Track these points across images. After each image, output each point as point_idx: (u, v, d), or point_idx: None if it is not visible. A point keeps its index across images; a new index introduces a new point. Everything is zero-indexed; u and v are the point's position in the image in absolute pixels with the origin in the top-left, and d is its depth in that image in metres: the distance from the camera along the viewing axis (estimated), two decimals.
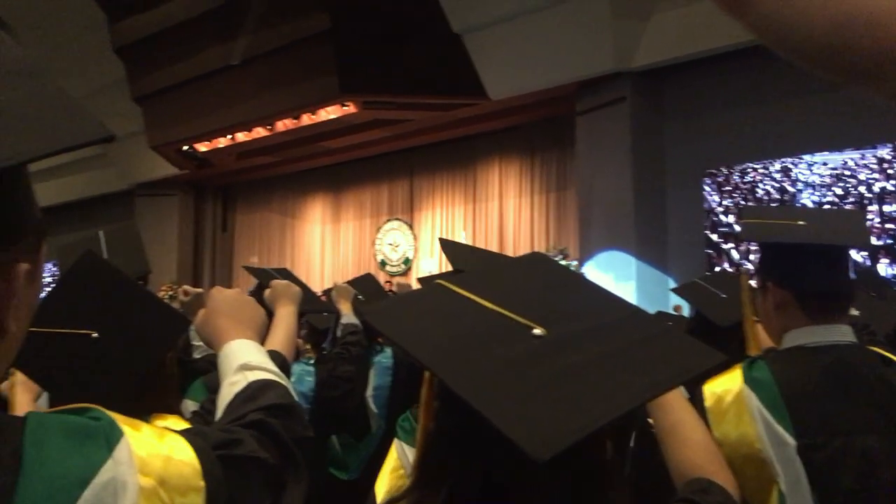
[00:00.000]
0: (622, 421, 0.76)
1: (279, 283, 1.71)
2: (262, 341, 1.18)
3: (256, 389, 1.01)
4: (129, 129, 12.35)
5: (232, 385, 1.04)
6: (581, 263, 8.93)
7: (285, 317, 1.60)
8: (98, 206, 14.81)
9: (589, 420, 0.62)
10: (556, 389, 0.65)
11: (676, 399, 1.21)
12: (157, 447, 0.73)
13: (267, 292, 1.72)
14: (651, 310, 3.42)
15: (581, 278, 0.88)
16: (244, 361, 1.07)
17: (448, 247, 2.25)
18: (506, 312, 0.72)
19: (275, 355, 1.42)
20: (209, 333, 1.17)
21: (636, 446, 1.91)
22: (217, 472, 0.78)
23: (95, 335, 1.42)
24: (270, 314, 1.69)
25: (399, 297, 0.84)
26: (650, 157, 8.47)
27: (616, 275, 8.33)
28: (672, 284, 8.39)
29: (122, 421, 0.72)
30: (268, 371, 1.06)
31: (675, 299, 8.21)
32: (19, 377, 1.65)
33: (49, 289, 1.53)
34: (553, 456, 0.59)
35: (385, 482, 1.43)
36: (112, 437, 0.69)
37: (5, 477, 0.61)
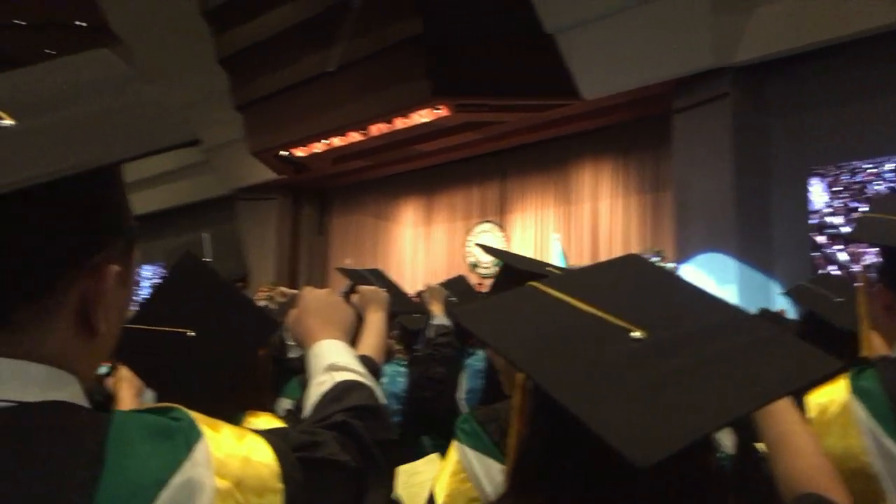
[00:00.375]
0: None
1: (368, 288, 1.72)
2: (351, 341, 1.18)
3: (342, 390, 1.00)
4: (231, 137, 12.86)
5: (319, 385, 1.04)
6: (678, 266, 8.67)
7: (375, 322, 1.61)
8: (202, 211, 15.46)
9: (694, 427, 0.58)
10: (659, 394, 0.61)
11: (785, 408, 1.13)
12: (235, 448, 0.73)
13: (356, 298, 1.74)
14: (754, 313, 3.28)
15: (679, 279, 0.83)
16: (332, 362, 1.07)
17: (494, 252, 2.20)
18: (602, 314, 0.69)
19: (366, 360, 1.43)
20: (300, 333, 1.18)
21: (740, 458, 1.82)
22: (296, 474, 0.77)
23: (192, 334, 1.47)
24: (360, 319, 1.71)
25: (491, 298, 0.82)
26: (752, 156, 8.13)
27: (716, 278, 8.04)
28: (776, 288, 8.03)
29: (202, 421, 0.73)
30: (355, 372, 1.06)
31: (779, 304, 7.89)
32: (124, 373, 1.72)
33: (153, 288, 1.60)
34: (655, 464, 0.56)
35: (445, 485, 1.40)
36: (191, 438, 0.69)
37: (88, 474, 0.62)
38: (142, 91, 0.72)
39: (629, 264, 0.83)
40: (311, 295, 1.21)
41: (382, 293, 1.73)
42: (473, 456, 1.39)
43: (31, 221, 0.63)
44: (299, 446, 0.81)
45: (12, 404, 0.63)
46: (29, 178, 0.58)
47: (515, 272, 1.75)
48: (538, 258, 11.90)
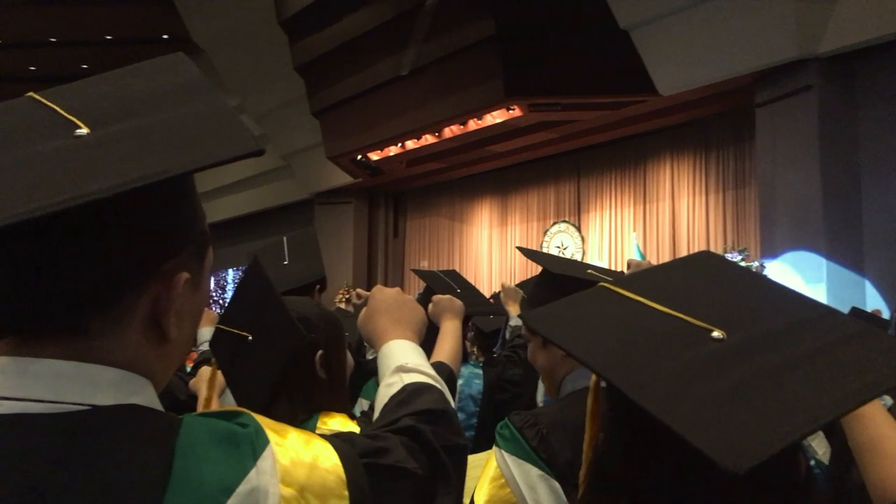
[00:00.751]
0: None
1: (443, 297, 1.73)
2: (421, 341, 1.17)
3: (410, 393, 0.99)
4: (309, 142, 13.14)
5: (388, 387, 1.03)
6: (763, 265, 8.37)
7: (451, 330, 1.61)
8: (282, 215, 15.86)
9: (788, 431, 0.55)
10: (746, 397, 0.58)
11: (876, 410, 1.07)
12: (301, 454, 0.73)
13: (430, 307, 1.74)
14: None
15: (759, 276, 0.79)
16: (401, 363, 1.06)
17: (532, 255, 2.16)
18: (679, 315, 0.66)
19: (442, 366, 1.42)
20: (370, 332, 1.18)
21: (833, 463, 1.75)
22: (362, 481, 0.77)
23: (251, 338, 1.51)
24: (435, 329, 1.71)
25: (562, 300, 0.80)
26: (841, 149, 7.78)
27: (804, 276, 7.73)
28: (868, 287, 7.67)
29: (268, 427, 0.73)
30: (424, 374, 1.05)
31: (872, 302, 7.53)
32: (204, 374, 1.77)
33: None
34: (748, 470, 0.53)
35: (485, 492, 1.39)
36: (258, 446, 0.69)
37: (156, 479, 0.63)
38: (212, 98, 0.73)
39: (703, 261, 0.79)
40: (380, 294, 1.21)
41: (458, 302, 1.74)
42: (512, 461, 1.38)
43: (102, 232, 0.65)
44: (366, 452, 0.81)
45: (85, 408, 0.64)
46: (95, 191, 0.59)
47: (553, 276, 1.73)
48: (615, 258, 11.65)
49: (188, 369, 2.52)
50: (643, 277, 0.80)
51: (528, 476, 1.35)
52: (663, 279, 0.76)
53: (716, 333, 0.63)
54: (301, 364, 1.54)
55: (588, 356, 0.66)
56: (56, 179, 0.60)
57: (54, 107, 0.68)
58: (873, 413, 1.06)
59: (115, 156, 0.63)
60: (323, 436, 0.79)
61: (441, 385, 1.05)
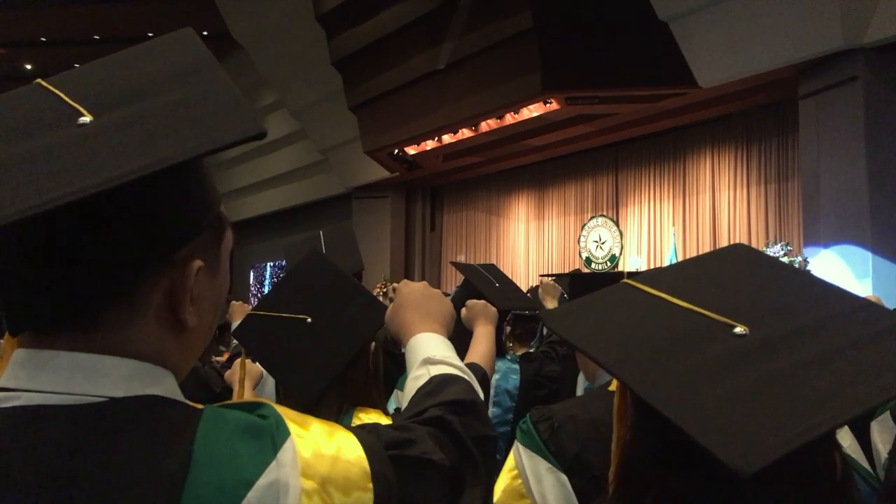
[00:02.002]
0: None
1: (477, 303, 1.74)
2: (450, 335, 1.15)
3: (438, 384, 0.98)
4: (347, 137, 13.22)
5: (415, 379, 1.03)
6: (807, 259, 8.20)
7: (485, 335, 1.62)
8: (321, 209, 15.99)
9: (800, 430, 0.54)
10: (762, 395, 0.57)
11: None
12: (324, 447, 0.72)
13: (464, 312, 1.75)
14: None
15: (791, 269, 0.77)
16: (428, 355, 1.05)
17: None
18: (701, 311, 0.65)
19: (475, 368, 1.43)
20: (397, 326, 1.17)
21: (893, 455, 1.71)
22: (388, 473, 0.75)
23: (310, 320, 1.54)
24: (469, 333, 1.73)
25: (582, 299, 0.79)
26: (887, 141, 7.57)
27: (849, 271, 7.56)
28: None
29: (290, 419, 0.72)
30: (451, 366, 1.04)
31: None
32: (240, 365, 1.80)
33: (276, 280, 1.68)
34: (759, 471, 0.52)
35: (502, 482, 1.43)
36: (278, 438, 0.69)
37: (176, 471, 0.63)
38: (215, 78, 0.72)
39: (734, 254, 0.77)
40: (407, 288, 1.20)
41: (492, 308, 1.75)
42: (525, 454, 1.40)
43: (109, 223, 0.65)
44: (392, 444, 0.79)
45: (102, 399, 0.64)
46: (95, 184, 0.59)
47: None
48: (653, 253, 11.49)
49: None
50: (668, 272, 0.79)
51: (537, 468, 1.38)
52: (690, 274, 0.75)
53: (738, 329, 0.62)
54: (358, 354, 1.57)
55: (602, 355, 0.65)
56: (60, 173, 0.60)
57: (60, 94, 0.68)
58: None
59: (116, 145, 0.63)
60: (348, 427, 0.79)
61: (469, 376, 1.03)
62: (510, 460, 1.44)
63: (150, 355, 0.69)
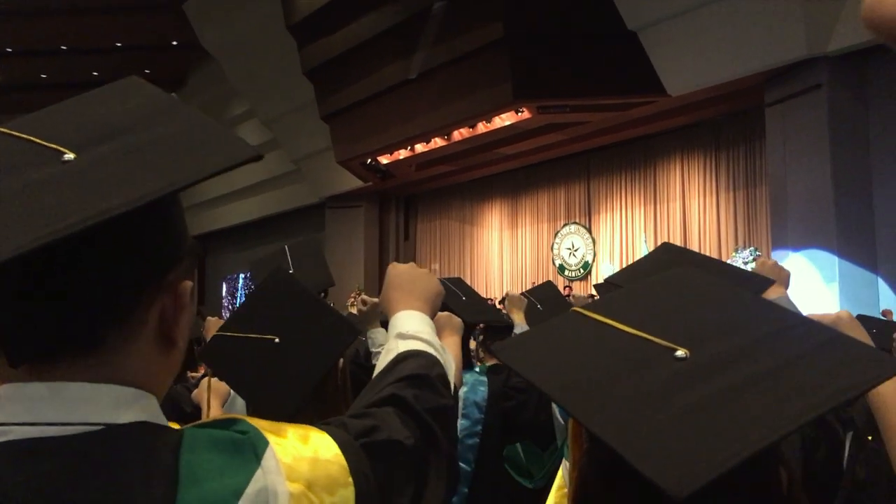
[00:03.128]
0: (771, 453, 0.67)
1: (441, 315, 1.75)
2: (434, 311, 1.19)
3: (397, 361, 1.01)
4: (319, 147, 13.19)
5: (386, 353, 1.06)
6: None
7: (450, 346, 1.64)
8: (294, 219, 15.93)
9: (731, 452, 0.55)
10: (698, 418, 0.58)
11: None
12: (302, 450, 0.74)
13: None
14: (854, 313, 3.09)
15: (733, 289, 0.79)
16: (401, 330, 1.08)
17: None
18: (645, 335, 0.66)
19: None
20: (385, 305, 1.19)
21: (852, 454, 1.75)
22: (363, 464, 0.78)
23: (277, 340, 1.54)
24: None
25: (532, 329, 0.81)
26: (852, 148, 7.73)
27: (817, 275, 7.69)
28: (882, 285, 7.62)
29: (266, 429, 0.74)
30: (420, 340, 1.06)
31: (886, 300, 7.46)
32: (207, 384, 1.79)
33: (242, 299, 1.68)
34: (695, 493, 0.53)
35: (552, 498, 1.43)
36: (259, 448, 0.70)
37: (165, 492, 0.64)
38: (193, 113, 0.74)
39: (678, 278, 0.79)
40: (394, 270, 1.22)
41: (456, 319, 1.77)
42: (566, 469, 1.41)
43: (112, 248, 0.66)
44: (360, 433, 0.82)
45: (98, 427, 0.65)
46: (113, 207, 0.60)
47: None
48: (626, 259, 11.63)
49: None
50: (618, 298, 0.81)
51: None
52: (635, 298, 0.76)
53: (679, 353, 0.63)
54: (330, 370, 1.57)
55: (547, 384, 0.66)
56: (63, 203, 0.61)
57: (27, 137, 0.68)
58: None
59: (115, 175, 0.64)
60: (318, 426, 0.80)
61: (436, 350, 1.06)
62: (559, 476, 1.46)
63: (142, 378, 0.71)
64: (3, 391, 0.67)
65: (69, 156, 0.66)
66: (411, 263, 1.26)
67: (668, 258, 1.80)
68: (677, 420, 0.58)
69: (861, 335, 1.27)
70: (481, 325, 3.37)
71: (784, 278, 1.83)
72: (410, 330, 1.08)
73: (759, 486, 0.66)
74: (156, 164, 0.66)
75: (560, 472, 1.46)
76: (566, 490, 1.42)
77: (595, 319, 0.70)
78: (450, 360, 1.08)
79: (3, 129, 0.70)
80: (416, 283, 1.19)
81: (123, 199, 0.61)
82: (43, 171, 0.64)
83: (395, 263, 1.25)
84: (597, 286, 3.52)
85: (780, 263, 1.91)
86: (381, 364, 1.04)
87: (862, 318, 3.26)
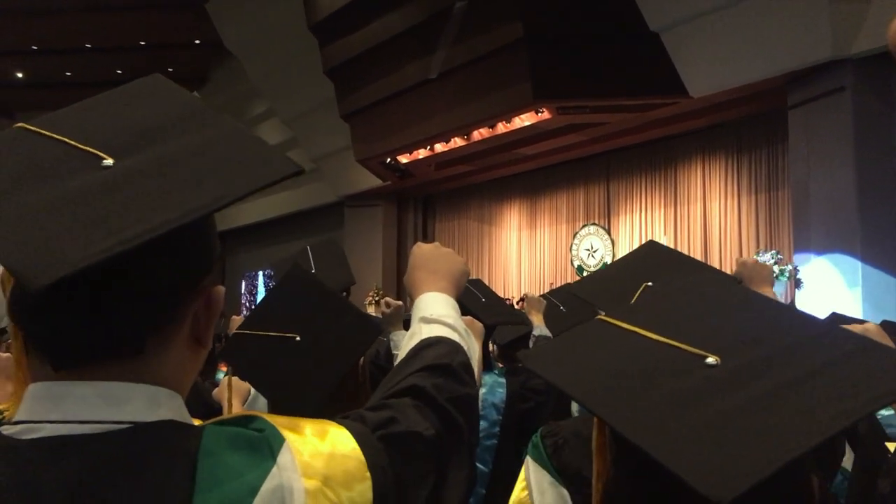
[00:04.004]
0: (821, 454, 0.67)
1: (464, 319, 1.75)
2: (459, 292, 1.17)
3: (419, 349, 1.00)
4: (339, 145, 13.23)
5: (410, 337, 1.05)
6: (797, 268, 8.24)
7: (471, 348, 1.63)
8: (313, 217, 15.99)
9: (774, 456, 0.55)
10: (736, 423, 0.58)
11: None
12: (318, 446, 0.74)
13: None
14: (877, 319, 3.05)
15: (757, 296, 0.79)
16: (425, 314, 1.08)
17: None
18: (674, 343, 0.66)
19: None
20: (409, 287, 1.19)
21: (856, 472, 1.73)
22: (381, 458, 0.78)
23: (298, 338, 1.54)
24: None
25: (559, 337, 0.80)
26: (877, 152, 7.62)
27: (840, 280, 7.60)
28: None
29: (283, 425, 0.75)
30: (444, 324, 1.06)
31: None
32: (227, 383, 1.80)
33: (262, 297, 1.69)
34: (735, 498, 0.53)
35: (514, 493, 1.46)
36: (275, 445, 0.71)
37: (183, 490, 0.65)
38: (224, 121, 0.75)
39: (702, 285, 0.79)
40: (419, 250, 1.22)
41: (478, 324, 1.76)
42: (532, 467, 1.45)
43: (157, 258, 0.68)
44: (378, 425, 0.82)
45: (125, 426, 0.67)
46: (166, 221, 0.63)
47: None
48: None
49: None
50: (640, 306, 0.80)
51: (541, 482, 1.42)
52: (659, 306, 0.76)
53: (710, 360, 0.63)
54: (351, 368, 1.58)
55: (578, 392, 0.66)
56: (117, 212, 0.62)
57: (61, 138, 0.69)
58: None
59: (163, 186, 0.66)
60: (336, 420, 0.81)
61: (460, 335, 1.05)
62: (522, 472, 1.48)
63: (174, 379, 0.73)
64: (34, 390, 0.68)
65: (108, 161, 0.67)
66: (436, 243, 1.25)
67: (645, 261, 1.78)
68: (713, 426, 0.57)
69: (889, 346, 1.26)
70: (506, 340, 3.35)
71: (766, 276, 1.81)
72: (434, 314, 1.08)
73: (794, 491, 0.66)
74: (202, 176, 0.68)
75: (523, 469, 1.47)
76: (524, 484, 1.44)
77: (620, 327, 0.70)
78: (473, 345, 1.07)
79: (35, 129, 0.71)
80: (440, 263, 1.19)
81: (178, 212, 0.64)
82: (84, 177, 0.66)
83: (420, 243, 1.24)
84: (544, 295, 3.47)
85: (760, 261, 1.90)
86: (404, 349, 1.04)
87: (886, 325, 3.22)
